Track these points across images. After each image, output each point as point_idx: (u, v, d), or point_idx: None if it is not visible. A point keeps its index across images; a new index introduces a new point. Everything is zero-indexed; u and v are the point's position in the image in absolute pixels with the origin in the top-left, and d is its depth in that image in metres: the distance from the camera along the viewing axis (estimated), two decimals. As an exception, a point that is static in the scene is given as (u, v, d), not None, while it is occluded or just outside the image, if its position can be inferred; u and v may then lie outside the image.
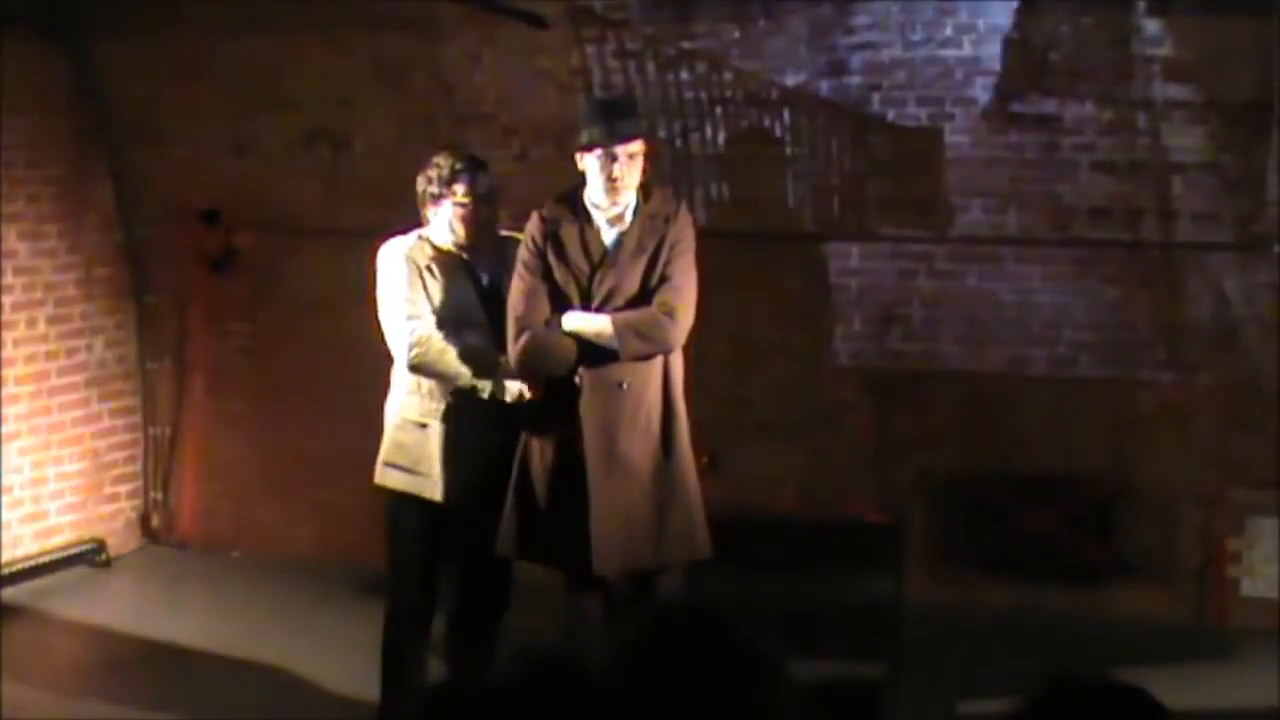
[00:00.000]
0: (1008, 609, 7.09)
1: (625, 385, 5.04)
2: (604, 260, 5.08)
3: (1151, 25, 6.86)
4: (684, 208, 5.24)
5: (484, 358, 5.17)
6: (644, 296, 5.06)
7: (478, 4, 7.17)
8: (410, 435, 5.26)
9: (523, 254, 5.14)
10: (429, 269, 5.23)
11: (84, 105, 8.01)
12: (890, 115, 7.26)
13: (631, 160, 5.04)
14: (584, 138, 5.09)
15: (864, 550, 6.62)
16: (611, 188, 5.03)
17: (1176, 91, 6.89)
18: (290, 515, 8.17)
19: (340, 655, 6.38)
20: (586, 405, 5.05)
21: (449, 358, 5.16)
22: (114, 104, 8.08)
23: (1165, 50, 6.86)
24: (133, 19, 7.70)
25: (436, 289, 5.23)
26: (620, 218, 5.10)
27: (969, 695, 5.91)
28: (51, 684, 6.35)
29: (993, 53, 7.05)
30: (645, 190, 5.14)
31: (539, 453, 5.16)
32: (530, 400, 5.17)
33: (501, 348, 5.19)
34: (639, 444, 5.08)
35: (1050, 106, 7.07)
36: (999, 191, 7.21)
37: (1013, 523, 7.27)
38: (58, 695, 6.20)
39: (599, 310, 5.06)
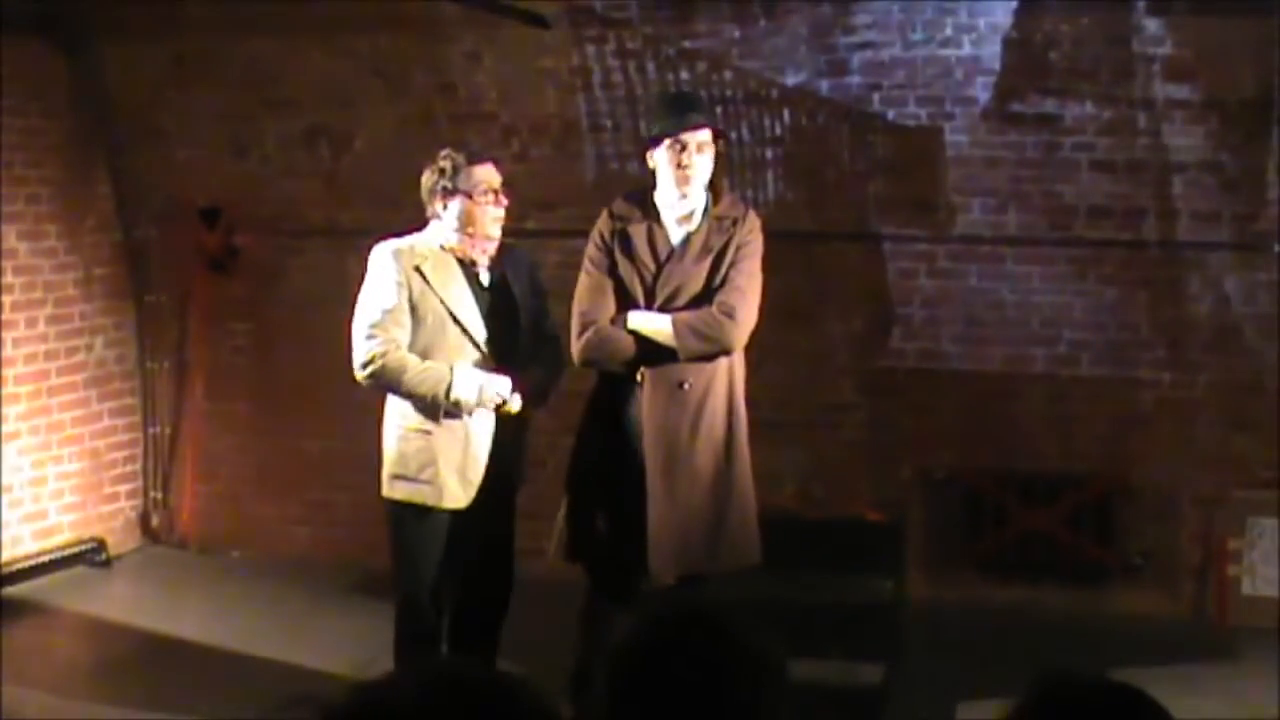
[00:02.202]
0: (1008, 608, 7.10)
1: (687, 385, 5.05)
2: (670, 259, 5.10)
3: (1151, 24, 6.86)
4: (752, 213, 5.26)
5: (441, 374, 5.09)
6: (707, 297, 5.08)
7: (479, 4, 7.17)
8: (412, 444, 5.19)
9: (590, 250, 5.18)
10: (417, 270, 5.15)
11: (84, 105, 8.01)
12: (890, 115, 7.26)
13: (701, 150, 5.06)
14: (654, 129, 5.14)
15: (864, 549, 6.62)
16: (682, 176, 5.04)
17: (1176, 91, 6.90)
18: (289, 515, 8.17)
19: (339, 654, 6.38)
20: (648, 405, 5.05)
21: (406, 376, 5.08)
22: (114, 104, 8.08)
23: (1165, 49, 6.86)
24: (133, 19, 7.70)
25: (426, 292, 5.15)
26: (689, 217, 5.12)
27: (969, 695, 5.90)
28: (51, 683, 6.34)
29: (993, 52, 7.05)
30: (715, 192, 5.16)
31: (597, 454, 5.17)
32: (595, 399, 5.20)
33: (497, 349, 5.20)
34: (701, 447, 5.08)
35: (1050, 106, 7.07)
36: (999, 191, 7.21)
37: (1013, 522, 7.27)
38: (58, 695, 6.19)
39: (662, 308, 5.07)
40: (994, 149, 7.17)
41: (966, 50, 7.09)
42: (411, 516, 5.23)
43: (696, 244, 5.10)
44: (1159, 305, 7.15)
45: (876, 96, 7.25)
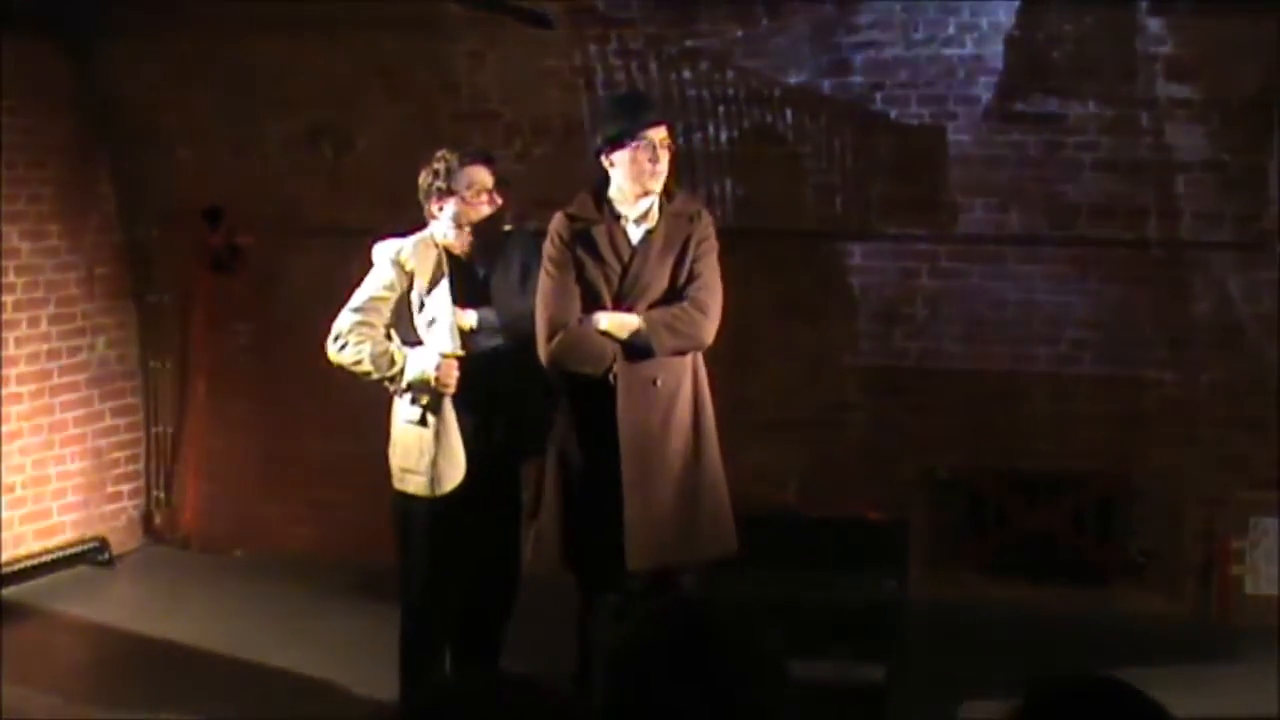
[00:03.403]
0: (1010, 607, 7.09)
1: (659, 383, 5.07)
2: (634, 258, 5.11)
3: (1154, 24, 6.85)
4: (705, 209, 5.31)
5: (396, 359, 5.17)
6: (672, 293, 5.11)
7: (481, 4, 7.17)
8: (410, 436, 5.26)
9: (549, 251, 5.16)
10: (409, 269, 5.22)
11: (85, 105, 8.01)
12: (893, 114, 7.25)
13: (663, 147, 5.08)
14: (612, 132, 5.11)
15: (866, 549, 6.61)
16: (651, 174, 5.05)
17: (1179, 90, 6.89)
18: (291, 514, 8.16)
19: (341, 654, 6.38)
20: (622, 404, 5.06)
21: (366, 355, 5.17)
22: (116, 104, 8.08)
23: (1167, 49, 6.86)
24: (135, 19, 7.69)
25: (416, 290, 5.22)
26: (646, 215, 5.14)
27: (971, 695, 5.90)
28: (52, 684, 6.35)
29: (995, 51, 7.04)
30: (667, 191, 5.18)
31: (574, 456, 5.17)
32: (564, 402, 5.21)
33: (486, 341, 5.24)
34: (672, 441, 5.11)
35: (1053, 105, 7.07)
36: (1001, 190, 7.20)
37: (1015, 521, 7.26)
38: (59, 695, 6.19)
39: (629, 308, 5.09)
40: (996, 148, 7.17)
41: (969, 49, 7.08)
42: (417, 509, 5.26)
43: (657, 241, 5.12)
44: (1161, 305, 7.14)
45: (879, 96, 7.25)
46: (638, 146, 5.04)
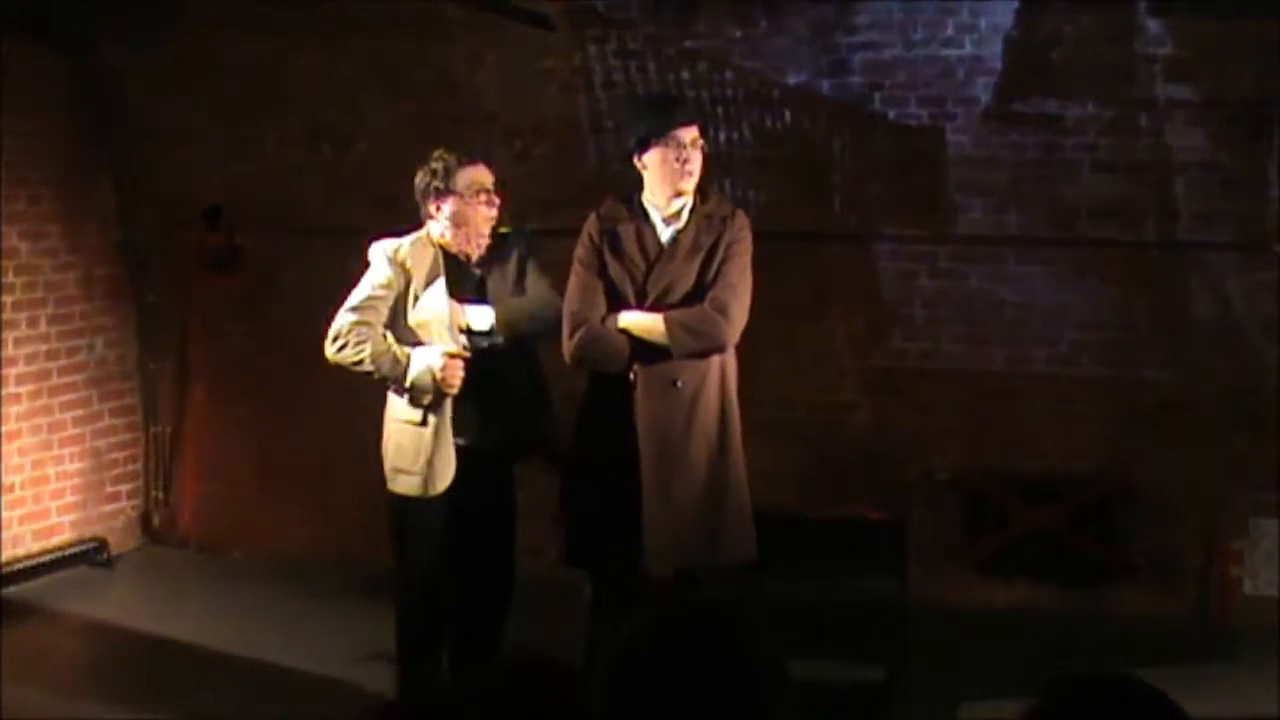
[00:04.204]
0: (1009, 608, 7.10)
1: (680, 384, 5.04)
2: (660, 257, 5.10)
3: (1153, 25, 6.86)
4: (741, 211, 5.26)
5: (399, 358, 5.16)
6: (698, 294, 5.07)
7: (481, 4, 7.17)
8: (406, 436, 5.25)
9: (579, 251, 5.17)
10: (405, 268, 5.22)
11: (85, 105, 8.01)
12: (892, 115, 7.25)
13: (695, 146, 5.07)
14: (642, 131, 5.11)
15: (866, 549, 6.61)
16: (684, 174, 5.03)
17: (1178, 91, 6.89)
18: (290, 515, 8.16)
19: (340, 654, 6.38)
20: (641, 404, 5.05)
21: (368, 354, 5.15)
22: (116, 104, 8.08)
23: (1167, 50, 6.86)
24: (135, 19, 7.70)
25: (413, 289, 5.22)
26: (677, 215, 5.12)
27: (971, 695, 5.91)
28: (52, 683, 6.35)
29: (994, 52, 7.05)
30: (702, 192, 5.16)
31: (591, 455, 5.17)
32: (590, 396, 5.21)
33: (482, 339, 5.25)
34: (695, 444, 5.08)
35: (1052, 106, 7.07)
36: (1000, 191, 7.20)
37: (1014, 522, 7.27)
38: (58, 695, 6.19)
39: (653, 307, 5.06)
40: (995, 149, 7.17)
41: (968, 50, 7.09)
42: (412, 509, 5.26)
43: (686, 242, 5.09)
44: (1160, 306, 7.14)
45: (878, 96, 7.25)
46: (668, 146, 5.04)
